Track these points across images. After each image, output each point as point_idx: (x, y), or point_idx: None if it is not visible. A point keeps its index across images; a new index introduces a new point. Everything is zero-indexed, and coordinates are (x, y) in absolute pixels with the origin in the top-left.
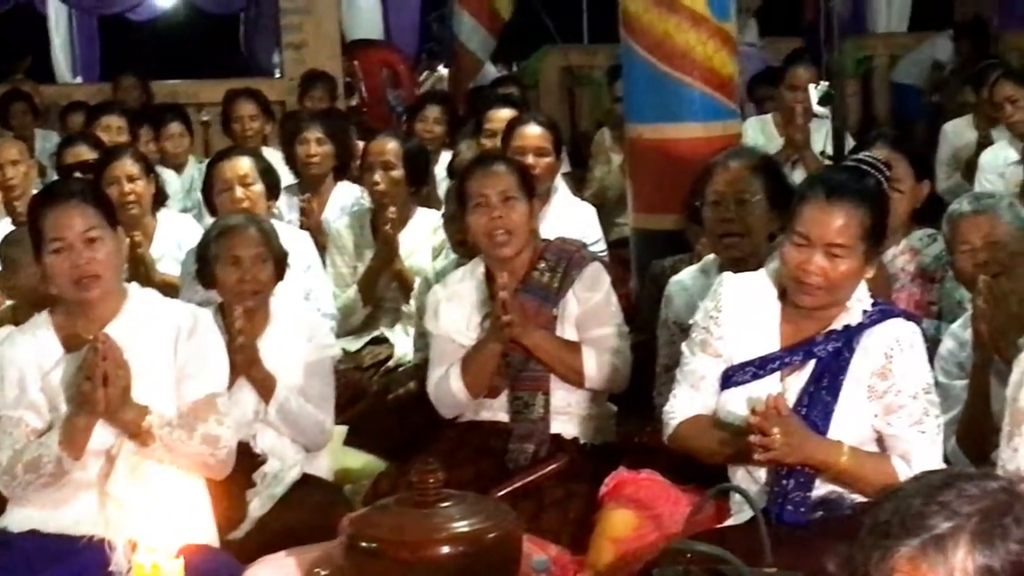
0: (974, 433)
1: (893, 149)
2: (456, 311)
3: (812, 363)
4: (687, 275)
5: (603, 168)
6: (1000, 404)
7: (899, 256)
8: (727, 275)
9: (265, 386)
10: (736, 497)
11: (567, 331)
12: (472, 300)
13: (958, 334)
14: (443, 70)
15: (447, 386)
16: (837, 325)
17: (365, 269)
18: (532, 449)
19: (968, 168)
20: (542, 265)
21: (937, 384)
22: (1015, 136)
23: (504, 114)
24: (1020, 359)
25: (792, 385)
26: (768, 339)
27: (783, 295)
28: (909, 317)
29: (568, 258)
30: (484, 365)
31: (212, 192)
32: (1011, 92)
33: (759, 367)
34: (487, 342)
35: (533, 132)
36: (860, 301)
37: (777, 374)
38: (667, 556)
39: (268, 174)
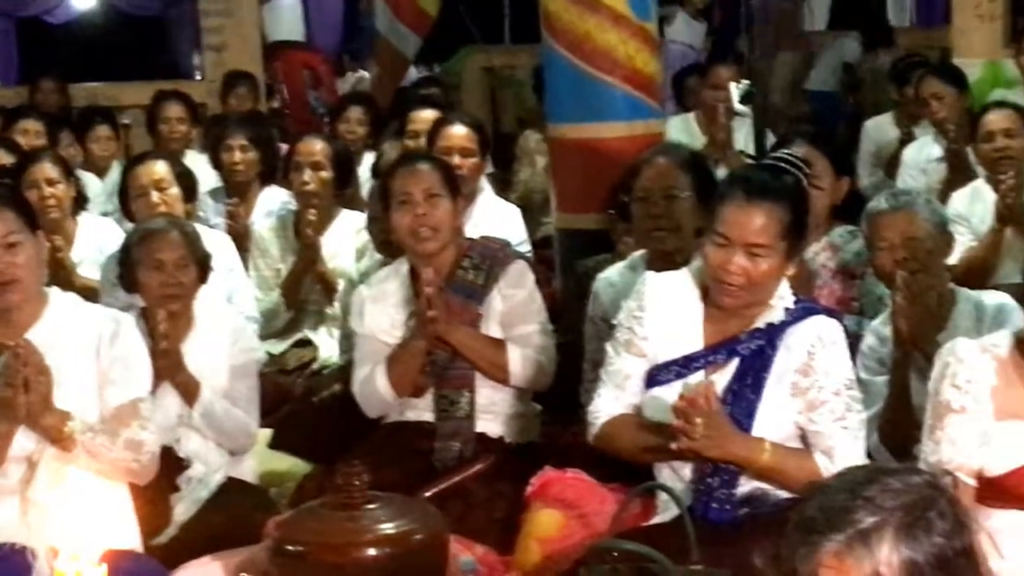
0: (896, 428)
1: (812, 146)
2: (381, 310)
3: (736, 361)
4: (614, 271)
5: (528, 170)
6: (921, 399)
7: (820, 253)
8: (650, 274)
9: (189, 390)
10: (662, 495)
11: (492, 329)
12: (397, 299)
13: (878, 330)
14: (363, 72)
15: (373, 385)
16: (760, 323)
17: (288, 272)
18: (458, 448)
19: (891, 164)
20: (467, 263)
21: (859, 380)
22: (939, 133)
23: (427, 115)
24: (940, 354)
25: (716, 383)
26: (692, 338)
27: (706, 294)
28: (831, 314)
29: (492, 256)
30: (409, 363)
31: (128, 197)
32: (937, 88)
33: (683, 366)
34: (412, 340)
35: (459, 132)
36: (782, 299)
37: (701, 373)
38: (594, 555)
39: (185, 177)
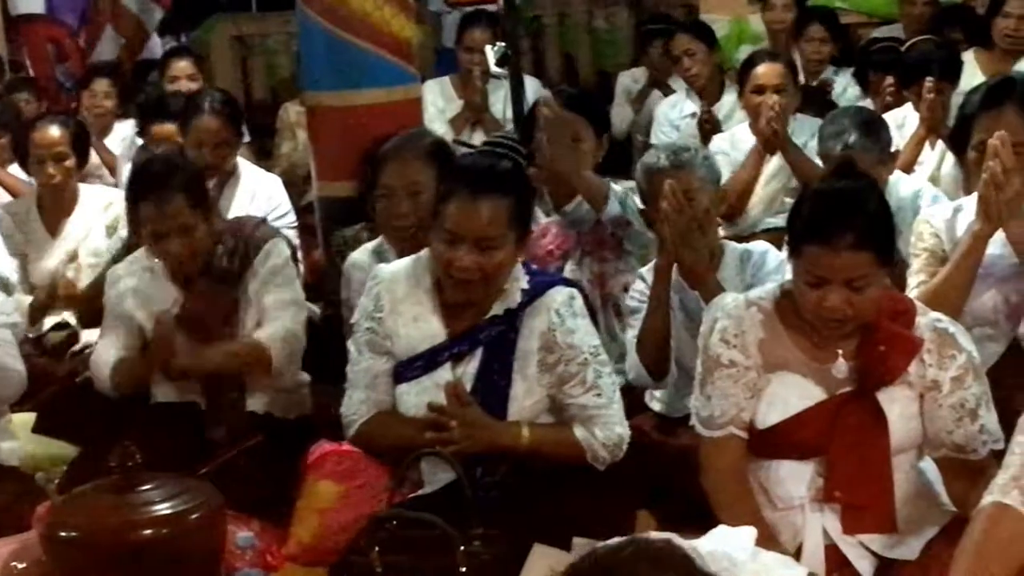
0: (651, 342)
1: (570, 109)
2: (137, 300)
3: (480, 350)
4: (363, 254)
5: (289, 144)
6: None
7: (584, 202)
8: (381, 269)
9: None
10: (428, 469)
11: (250, 313)
12: (150, 292)
13: (645, 276)
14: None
15: (101, 372)
16: (498, 309)
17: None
18: (227, 427)
19: (639, 100)
20: (220, 250)
21: (631, 311)
22: (692, 89)
23: (168, 129)
24: (708, 309)
25: (464, 374)
26: (433, 331)
27: (440, 284)
28: (568, 283)
29: (246, 239)
30: (137, 376)
31: None
32: (688, 45)
33: (429, 360)
34: (149, 357)
35: (209, 127)
36: (517, 281)
37: (448, 364)
38: (373, 525)
39: None
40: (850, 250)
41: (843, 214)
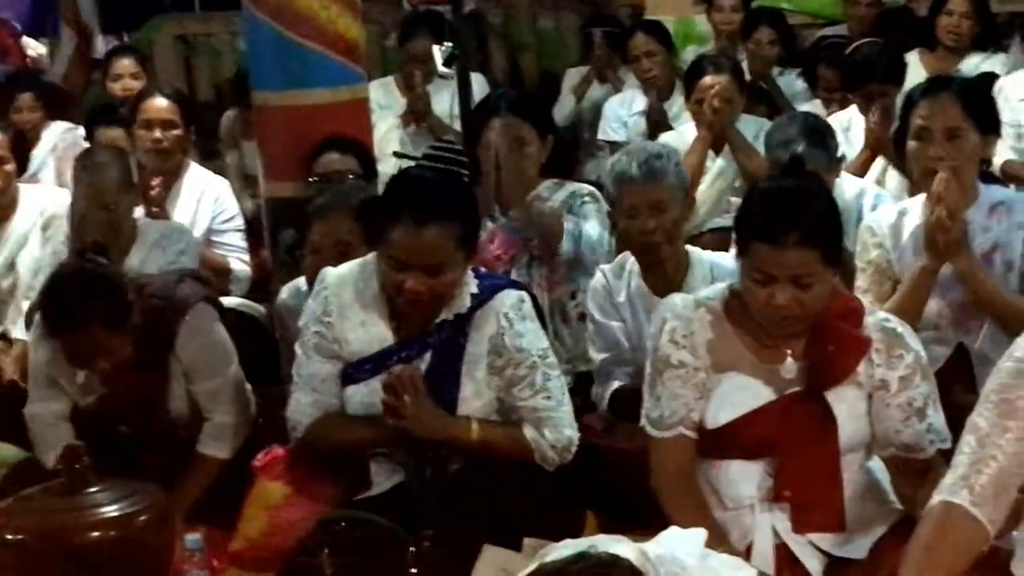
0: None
1: (514, 113)
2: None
3: (429, 353)
4: (293, 297)
5: (234, 154)
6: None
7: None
8: (329, 273)
9: None
10: (375, 471)
11: (176, 392)
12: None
13: (606, 271)
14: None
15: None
16: (447, 315)
17: None
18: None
19: (582, 87)
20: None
21: (593, 320)
22: (649, 90)
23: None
24: (658, 310)
25: None
26: (381, 335)
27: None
28: (516, 286)
29: (161, 313)
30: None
31: None
32: (648, 46)
33: (377, 362)
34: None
35: (159, 105)
36: (466, 286)
37: (396, 368)
38: (322, 526)
39: None
40: (797, 247)
41: (790, 212)
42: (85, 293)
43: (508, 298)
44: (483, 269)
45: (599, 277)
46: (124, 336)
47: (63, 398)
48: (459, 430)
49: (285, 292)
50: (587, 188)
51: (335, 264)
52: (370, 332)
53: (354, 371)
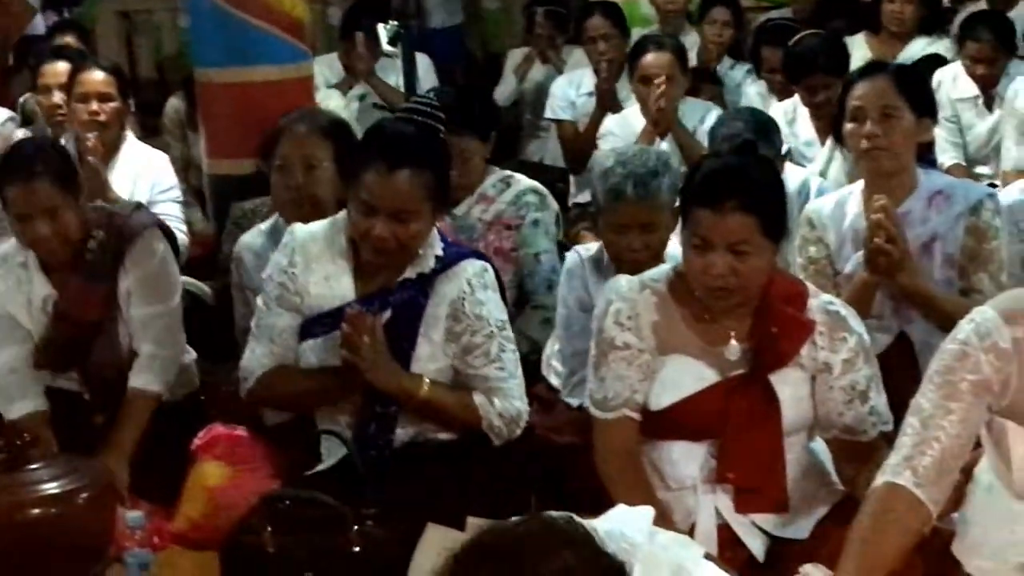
0: None
1: (452, 120)
2: (9, 296)
3: (388, 312)
4: (255, 235)
5: (178, 146)
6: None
7: (474, 206)
8: (297, 227)
9: None
10: (322, 445)
11: (125, 309)
12: (23, 287)
13: (582, 252)
14: None
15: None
16: (411, 274)
17: None
18: (109, 411)
19: (524, 65)
20: (91, 243)
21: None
22: (603, 72)
23: (60, 68)
24: (603, 292)
25: None
26: (343, 290)
27: (355, 245)
28: (481, 257)
29: (118, 230)
30: None
31: None
32: (604, 29)
33: (336, 317)
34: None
35: (96, 78)
36: (432, 247)
37: (357, 308)
38: (265, 503)
39: None
40: (735, 212)
41: (731, 178)
42: (38, 151)
43: (472, 266)
44: (449, 239)
45: (575, 260)
46: (73, 206)
47: (21, 339)
48: (411, 384)
49: (248, 235)
50: (530, 186)
51: (298, 181)
52: (333, 287)
53: (312, 325)
